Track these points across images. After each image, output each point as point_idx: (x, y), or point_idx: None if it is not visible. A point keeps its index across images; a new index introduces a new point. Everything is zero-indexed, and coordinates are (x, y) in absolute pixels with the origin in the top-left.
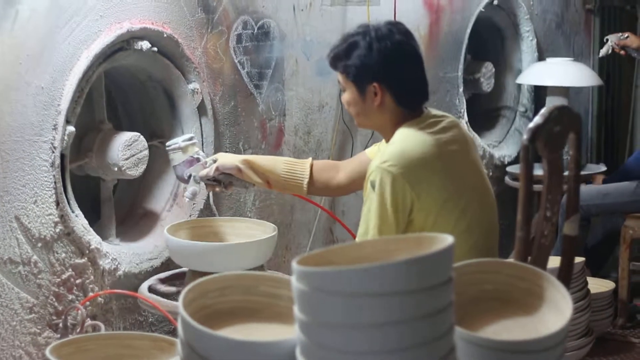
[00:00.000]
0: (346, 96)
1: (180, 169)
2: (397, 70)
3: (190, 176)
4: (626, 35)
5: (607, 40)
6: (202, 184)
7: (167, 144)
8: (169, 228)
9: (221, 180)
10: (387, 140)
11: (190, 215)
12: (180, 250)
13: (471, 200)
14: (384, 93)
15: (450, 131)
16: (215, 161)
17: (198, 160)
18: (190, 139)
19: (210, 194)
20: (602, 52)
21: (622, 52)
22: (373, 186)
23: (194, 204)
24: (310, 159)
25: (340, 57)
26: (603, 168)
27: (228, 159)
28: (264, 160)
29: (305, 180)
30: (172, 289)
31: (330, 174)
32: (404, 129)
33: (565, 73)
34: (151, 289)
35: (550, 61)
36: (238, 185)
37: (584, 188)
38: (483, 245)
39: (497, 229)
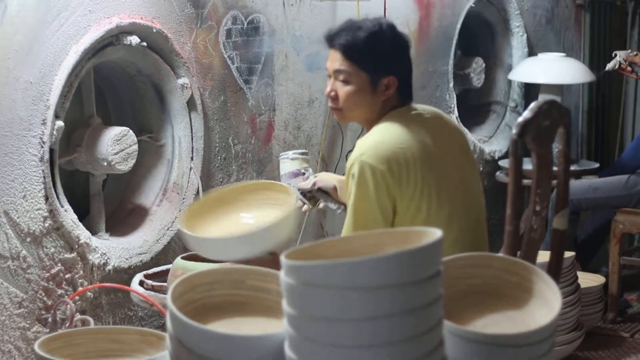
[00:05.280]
0: (349, 88)
1: (284, 179)
2: (408, 64)
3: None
4: (635, 52)
5: (616, 55)
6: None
7: (281, 153)
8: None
9: (318, 198)
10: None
11: (179, 211)
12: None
13: (454, 191)
14: (394, 86)
15: (431, 123)
16: (315, 177)
17: (303, 174)
18: (303, 153)
19: (200, 188)
20: (609, 66)
21: (629, 68)
22: (353, 177)
23: (183, 198)
24: None
25: (359, 48)
26: (596, 165)
27: (327, 176)
28: None
29: None
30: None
31: None
32: (384, 121)
33: (558, 70)
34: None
35: (543, 57)
36: (330, 205)
37: (575, 182)
38: (467, 238)
39: (483, 223)
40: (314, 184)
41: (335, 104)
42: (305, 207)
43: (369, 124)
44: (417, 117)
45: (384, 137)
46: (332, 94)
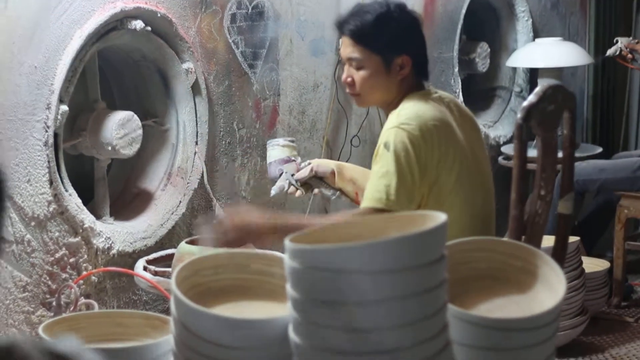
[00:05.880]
0: (363, 73)
1: (274, 165)
2: (421, 42)
3: (282, 173)
4: (637, 40)
5: (617, 41)
6: (288, 181)
7: (269, 141)
8: None
9: (311, 185)
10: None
11: (184, 195)
12: None
13: (470, 175)
14: (409, 65)
15: (451, 107)
16: (309, 164)
17: (294, 161)
18: (293, 141)
19: (205, 172)
20: (610, 52)
21: (630, 55)
22: (387, 147)
23: (188, 183)
24: None
25: (368, 31)
26: (599, 149)
27: (324, 161)
28: (357, 170)
29: None
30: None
31: None
32: (413, 97)
33: (555, 53)
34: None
35: (540, 41)
36: (324, 191)
37: (580, 164)
38: (479, 223)
39: (493, 211)
40: (312, 170)
41: (352, 90)
42: (299, 192)
43: (387, 106)
44: (439, 100)
45: (419, 108)
46: (349, 80)
